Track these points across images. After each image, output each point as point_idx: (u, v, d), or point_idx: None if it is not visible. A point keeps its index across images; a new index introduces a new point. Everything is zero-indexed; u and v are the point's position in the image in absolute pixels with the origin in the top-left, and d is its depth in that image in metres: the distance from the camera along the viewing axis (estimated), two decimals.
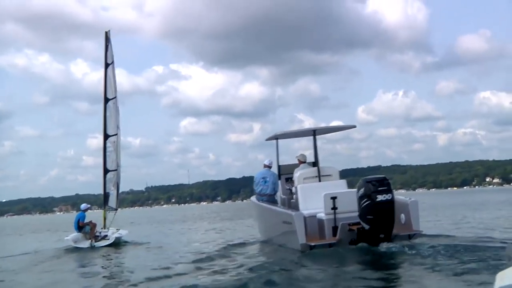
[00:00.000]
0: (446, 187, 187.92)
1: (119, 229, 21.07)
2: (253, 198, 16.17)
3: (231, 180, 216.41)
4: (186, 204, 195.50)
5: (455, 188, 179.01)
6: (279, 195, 15.60)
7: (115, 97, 22.49)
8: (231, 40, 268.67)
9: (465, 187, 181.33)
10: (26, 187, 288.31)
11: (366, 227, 11.47)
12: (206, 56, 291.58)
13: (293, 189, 14.47)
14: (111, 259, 16.23)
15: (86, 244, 19.87)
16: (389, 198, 11.28)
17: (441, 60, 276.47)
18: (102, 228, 20.97)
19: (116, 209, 21.94)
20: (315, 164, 15.27)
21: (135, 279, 10.70)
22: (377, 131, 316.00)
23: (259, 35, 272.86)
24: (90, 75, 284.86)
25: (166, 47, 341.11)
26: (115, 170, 21.98)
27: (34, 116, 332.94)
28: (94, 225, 20.75)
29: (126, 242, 20.76)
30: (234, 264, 11.80)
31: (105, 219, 21.43)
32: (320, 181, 14.11)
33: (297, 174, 14.50)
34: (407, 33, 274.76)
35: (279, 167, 16.04)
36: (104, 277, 12.08)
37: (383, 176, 11.74)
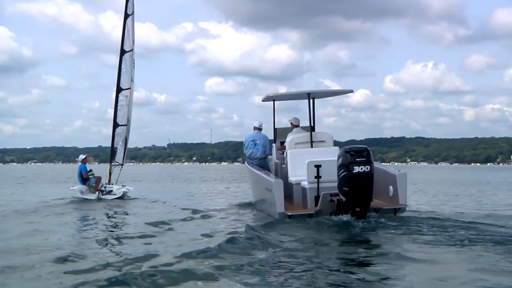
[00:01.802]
0: (469, 163, 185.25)
1: (124, 185, 20.70)
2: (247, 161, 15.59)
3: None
4: (207, 164, 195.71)
5: (478, 164, 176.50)
6: (273, 159, 15.05)
7: (132, 50, 21.90)
8: (262, 1, 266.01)
9: (488, 164, 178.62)
10: (51, 136, 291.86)
11: (343, 199, 10.96)
12: (236, 16, 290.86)
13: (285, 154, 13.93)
14: (113, 211, 16.16)
15: (93, 196, 19.86)
16: (367, 170, 10.68)
17: (474, 33, 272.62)
18: (107, 183, 20.66)
19: (122, 165, 21.51)
20: (312, 128, 14.51)
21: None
22: (403, 102, 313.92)
23: None
24: (120, 28, 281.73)
25: (196, 4, 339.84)
26: (125, 125, 21.50)
27: (62, 66, 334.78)
28: (99, 178, 20.46)
29: (132, 197, 20.47)
30: (207, 226, 11.76)
31: (110, 174, 21.06)
32: (312, 147, 13.43)
33: (288, 138, 13.90)
34: (442, 3, 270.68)
35: (275, 130, 15.52)
36: (96, 228, 12.10)
37: (364, 146, 11.16)
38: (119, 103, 21.38)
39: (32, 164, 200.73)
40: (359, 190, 10.69)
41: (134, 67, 21.92)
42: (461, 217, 12.32)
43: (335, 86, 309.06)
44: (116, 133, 21.37)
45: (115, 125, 21.38)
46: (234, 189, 27.74)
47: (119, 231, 11.67)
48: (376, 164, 12.51)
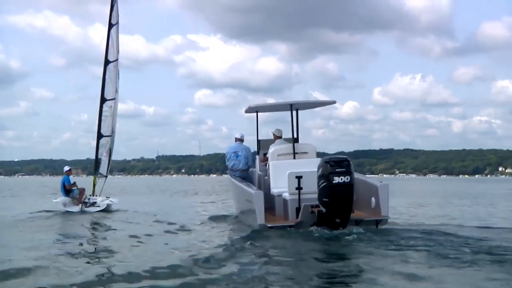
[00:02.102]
0: (457, 174, 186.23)
1: (109, 197, 20.40)
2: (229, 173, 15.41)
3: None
4: (196, 176, 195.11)
5: (466, 176, 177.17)
6: (256, 171, 14.81)
7: (116, 60, 21.67)
8: (250, 13, 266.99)
9: (476, 176, 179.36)
10: (39, 148, 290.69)
11: (323, 210, 10.77)
12: (225, 28, 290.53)
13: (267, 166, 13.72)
14: (96, 224, 15.88)
15: (76, 208, 19.55)
16: (347, 180, 10.48)
17: (462, 45, 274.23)
18: (91, 195, 20.33)
19: (106, 176, 21.20)
20: (296, 140, 14.38)
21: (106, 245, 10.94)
22: (392, 113, 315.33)
23: (279, 10, 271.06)
24: None
25: (185, 16, 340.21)
26: (109, 135, 21.23)
27: (50, 78, 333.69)
28: (83, 190, 20.18)
29: (116, 209, 20.19)
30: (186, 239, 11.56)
31: (94, 185, 20.74)
32: (294, 158, 13.24)
33: (271, 150, 13.73)
34: (430, 16, 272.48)
35: (258, 141, 15.31)
36: (80, 242, 11.64)
37: (344, 156, 10.97)
38: (103, 113, 21.12)
39: (20, 176, 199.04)
40: (339, 201, 10.51)
41: (118, 78, 21.68)
42: (444, 229, 12.11)
43: (323, 98, 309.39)
44: (100, 144, 21.11)
45: (99, 136, 21.12)
46: (220, 201, 27.43)
47: (89, 245, 11.33)
48: (358, 175, 12.42)
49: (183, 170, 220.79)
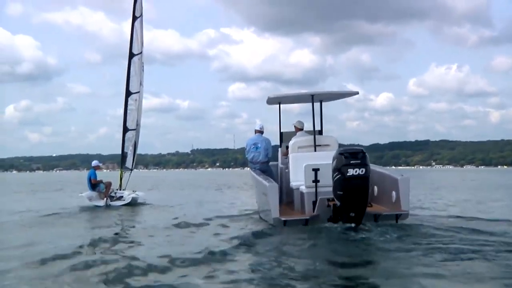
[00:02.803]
0: (496, 165, 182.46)
1: (135, 191, 20.31)
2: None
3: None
4: (230, 169, 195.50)
5: (505, 167, 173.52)
6: (278, 164, 14.40)
7: (140, 53, 21.57)
8: (284, 6, 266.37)
9: None
10: (76, 143, 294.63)
11: (338, 203, 10.37)
12: (258, 21, 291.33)
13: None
14: (122, 218, 15.71)
15: (101, 202, 19.45)
16: (362, 173, 10.00)
17: (499, 34, 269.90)
18: (117, 189, 20.27)
19: (131, 170, 21.13)
20: (320, 132, 13.99)
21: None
22: (427, 104, 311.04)
23: (312, 2, 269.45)
24: (143, 36, 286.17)
25: (218, 10, 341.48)
26: (135, 129, 21.10)
27: (86, 74, 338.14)
28: (109, 184, 20.10)
29: (142, 203, 20.17)
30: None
31: (121, 179, 20.68)
32: (315, 150, 12.76)
33: (291, 142, 13.27)
34: (466, 5, 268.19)
35: (281, 134, 14.81)
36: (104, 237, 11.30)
37: (360, 148, 10.48)
38: (129, 107, 21.03)
39: (58, 171, 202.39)
40: (353, 194, 10.07)
41: (143, 71, 21.54)
42: (468, 224, 11.60)
43: (358, 90, 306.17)
44: (126, 138, 21.06)
45: (125, 129, 21.03)
46: (249, 195, 27.10)
47: (107, 237, 11.13)
48: (379, 168, 12.14)
49: (218, 164, 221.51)
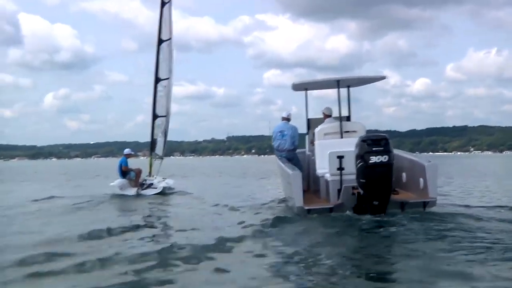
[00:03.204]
0: None
1: (165, 178, 20.17)
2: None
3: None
4: (266, 156, 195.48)
5: None
6: (306, 151, 14.06)
7: (169, 39, 21.22)
8: None
9: None
10: (113, 131, 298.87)
11: (361, 192, 10.08)
12: (293, 7, 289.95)
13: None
14: (154, 209, 15.43)
15: (132, 191, 19.20)
16: (385, 160, 9.77)
17: None
18: (147, 176, 20.10)
19: (162, 158, 20.97)
20: (348, 118, 13.64)
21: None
22: (465, 90, 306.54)
23: None
24: (179, 23, 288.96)
25: None
26: (165, 116, 20.91)
27: (123, 62, 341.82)
28: (140, 172, 19.99)
29: (172, 191, 19.95)
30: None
31: (151, 166, 20.54)
32: (342, 137, 12.41)
33: (317, 129, 12.94)
34: None
35: (308, 120, 14.46)
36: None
37: (383, 134, 10.20)
38: (158, 93, 20.78)
39: (95, 159, 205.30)
40: (376, 182, 9.83)
41: (172, 57, 21.29)
42: (496, 215, 11.06)
43: (395, 76, 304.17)
44: (155, 124, 20.85)
45: (154, 116, 20.83)
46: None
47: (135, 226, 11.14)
48: (406, 154, 11.83)
49: (253, 151, 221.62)
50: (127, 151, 20.72)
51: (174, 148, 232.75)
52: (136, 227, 10.85)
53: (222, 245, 8.35)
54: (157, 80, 20.84)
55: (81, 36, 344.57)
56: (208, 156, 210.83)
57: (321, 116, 13.75)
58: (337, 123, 12.80)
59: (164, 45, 21.06)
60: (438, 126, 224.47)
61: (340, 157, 10.82)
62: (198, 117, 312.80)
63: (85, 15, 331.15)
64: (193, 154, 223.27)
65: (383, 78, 13.60)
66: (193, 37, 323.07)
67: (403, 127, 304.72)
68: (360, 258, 7.59)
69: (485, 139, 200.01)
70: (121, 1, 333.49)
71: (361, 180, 9.94)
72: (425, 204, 10.69)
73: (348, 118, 13.74)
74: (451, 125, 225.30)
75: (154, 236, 9.81)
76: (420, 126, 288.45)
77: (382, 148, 9.78)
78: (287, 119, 14.23)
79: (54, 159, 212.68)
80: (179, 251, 7.96)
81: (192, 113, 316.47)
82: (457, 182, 23.86)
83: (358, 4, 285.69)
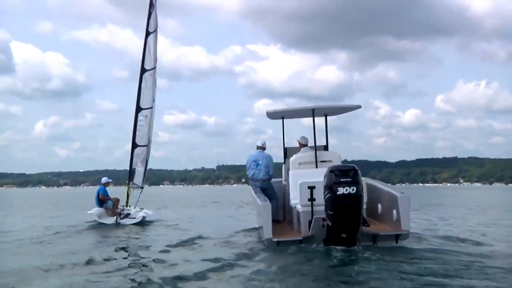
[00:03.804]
0: None
1: (143, 208, 19.90)
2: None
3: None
4: None
5: None
6: (282, 181, 13.89)
7: (153, 68, 21.20)
8: (310, 22, 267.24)
9: None
10: (103, 159, 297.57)
11: (330, 223, 9.86)
12: (284, 37, 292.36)
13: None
14: (130, 237, 15.38)
15: (111, 220, 19.06)
16: (353, 192, 9.52)
17: None
18: (124, 206, 19.87)
19: (142, 187, 20.73)
20: (325, 148, 13.53)
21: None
22: (455, 121, 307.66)
23: (338, 18, 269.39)
24: (170, 52, 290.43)
25: (244, 27, 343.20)
26: (145, 145, 20.76)
27: (114, 90, 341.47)
28: (117, 201, 19.79)
29: (150, 221, 19.74)
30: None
31: (128, 196, 20.27)
32: (317, 167, 12.22)
33: (292, 158, 12.85)
34: (494, 21, 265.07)
35: (285, 149, 14.35)
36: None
37: (351, 165, 10.01)
38: (138, 123, 20.65)
39: (85, 187, 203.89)
40: (343, 214, 9.58)
41: (155, 86, 21.25)
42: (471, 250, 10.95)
43: (385, 107, 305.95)
44: (134, 153, 20.62)
45: (134, 145, 20.64)
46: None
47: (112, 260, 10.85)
48: (381, 185, 11.65)
49: (243, 180, 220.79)
50: (104, 180, 20.47)
51: (164, 177, 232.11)
52: (107, 259, 10.68)
53: (185, 279, 8.16)
54: (139, 109, 20.74)
55: (72, 64, 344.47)
56: (198, 185, 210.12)
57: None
58: (312, 153, 12.65)
59: (147, 74, 21.01)
60: (428, 157, 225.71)
61: (312, 188, 10.58)
62: (188, 145, 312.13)
63: (77, 44, 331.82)
64: (182, 183, 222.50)
65: (358, 107, 13.40)
66: (184, 66, 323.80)
67: (393, 158, 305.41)
68: None
69: (475, 171, 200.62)
70: (112, 30, 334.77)
71: (329, 212, 9.72)
72: (397, 237, 10.47)
73: (325, 148, 13.64)
74: (441, 156, 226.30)
75: (119, 269, 9.53)
76: (410, 157, 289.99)
77: (350, 179, 9.55)
78: (262, 147, 14.01)
79: (43, 187, 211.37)
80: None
81: (183, 142, 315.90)
82: (439, 213, 23.79)
83: (348, 35, 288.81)
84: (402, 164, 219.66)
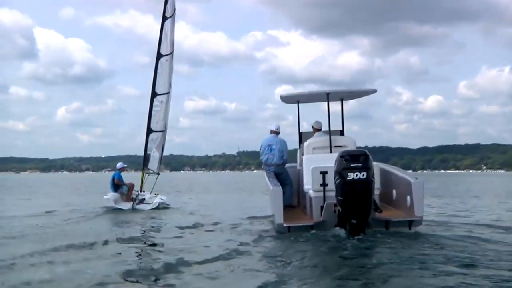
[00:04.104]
0: None
1: (157, 194, 19.90)
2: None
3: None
4: None
5: None
6: (297, 166, 13.67)
7: (170, 53, 21.09)
8: (331, 8, 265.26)
9: None
10: (125, 144, 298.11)
11: (340, 209, 9.73)
12: (305, 23, 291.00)
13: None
14: (146, 222, 15.37)
15: (127, 205, 19.07)
16: (363, 177, 9.37)
17: None
18: (138, 191, 19.85)
19: (158, 173, 20.73)
20: (341, 132, 13.35)
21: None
22: (478, 107, 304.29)
23: (360, 4, 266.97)
24: (191, 38, 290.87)
25: (265, 12, 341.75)
26: (161, 131, 20.74)
27: (135, 76, 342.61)
28: (132, 186, 19.80)
29: (166, 207, 19.67)
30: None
31: (142, 181, 20.26)
32: (331, 152, 11.96)
33: (306, 143, 12.66)
34: None
35: (300, 134, 14.15)
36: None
37: (362, 150, 9.88)
38: (154, 108, 20.57)
39: (107, 172, 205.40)
40: (353, 200, 9.43)
41: (172, 71, 21.15)
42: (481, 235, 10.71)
43: (407, 93, 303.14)
44: (149, 139, 20.56)
45: (149, 131, 20.59)
46: None
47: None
48: (396, 170, 11.50)
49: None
50: (119, 165, 20.50)
51: (185, 163, 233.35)
52: (129, 240, 10.87)
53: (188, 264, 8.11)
54: (154, 94, 20.68)
55: (94, 50, 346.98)
56: (218, 171, 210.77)
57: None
58: (326, 137, 12.46)
59: (163, 59, 20.91)
60: (450, 143, 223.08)
61: (324, 173, 10.44)
62: (209, 131, 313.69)
63: (99, 29, 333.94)
64: (203, 169, 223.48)
65: (374, 91, 13.21)
66: (205, 52, 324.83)
67: (414, 144, 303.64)
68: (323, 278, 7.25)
69: (498, 158, 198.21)
70: (134, 16, 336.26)
71: (339, 198, 9.60)
72: (410, 223, 10.32)
73: (341, 132, 13.45)
74: (463, 143, 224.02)
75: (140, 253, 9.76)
76: (431, 143, 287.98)
77: (360, 165, 9.40)
78: (276, 132, 13.82)
79: (65, 172, 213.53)
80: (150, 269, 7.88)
81: (203, 128, 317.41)
82: (462, 200, 23.45)
83: (370, 21, 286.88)
84: (423, 150, 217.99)
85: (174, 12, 21.41)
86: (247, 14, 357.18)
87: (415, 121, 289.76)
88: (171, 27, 21.25)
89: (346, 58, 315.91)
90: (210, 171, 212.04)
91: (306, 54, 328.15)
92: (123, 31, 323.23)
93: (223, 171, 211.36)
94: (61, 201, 25.69)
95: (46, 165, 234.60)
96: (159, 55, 20.94)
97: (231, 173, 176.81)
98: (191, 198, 28.43)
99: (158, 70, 20.83)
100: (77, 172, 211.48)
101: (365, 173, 9.37)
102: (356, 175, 9.34)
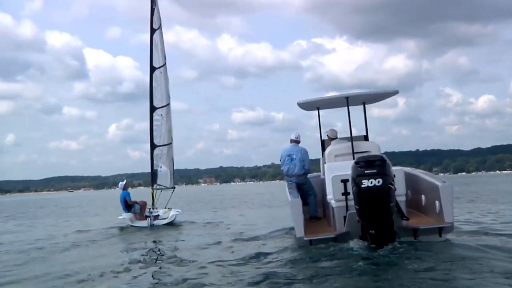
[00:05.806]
0: None
1: (170, 208, 19.44)
2: None
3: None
4: None
5: None
6: (321, 175, 12.84)
7: (163, 65, 20.70)
8: (375, 12, 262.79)
9: None
10: (174, 159, 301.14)
11: (358, 219, 8.92)
12: (350, 29, 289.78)
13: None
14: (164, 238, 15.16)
15: (143, 223, 18.66)
16: (378, 184, 8.51)
17: None
18: (151, 208, 19.28)
19: (173, 188, 20.36)
20: (366, 138, 12.78)
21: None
22: None
23: (404, 6, 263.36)
24: (236, 50, 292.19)
25: (309, 21, 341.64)
26: (167, 144, 20.26)
27: (183, 91, 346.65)
28: (145, 204, 19.38)
29: (180, 221, 19.45)
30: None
31: (153, 198, 19.70)
32: (354, 158, 10.83)
33: (327, 151, 12.00)
34: None
35: (322, 142, 13.46)
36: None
37: (378, 155, 9.19)
38: (154, 123, 20.12)
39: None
40: (369, 208, 8.61)
41: (168, 83, 20.78)
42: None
43: (456, 94, 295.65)
44: (154, 154, 20.07)
45: (153, 146, 20.11)
46: None
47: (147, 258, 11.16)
48: (423, 174, 10.75)
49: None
50: (121, 184, 20.10)
51: (234, 174, 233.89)
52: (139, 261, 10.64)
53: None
54: (153, 108, 20.24)
55: (141, 67, 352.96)
56: (268, 181, 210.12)
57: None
58: (349, 144, 11.73)
59: (157, 72, 20.54)
60: (504, 143, 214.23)
61: (345, 181, 9.68)
62: (258, 142, 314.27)
63: (146, 46, 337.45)
64: (253, 180, 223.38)
65: (396, 92, 12.37)
66: (250, 63, 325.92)
67: (467, 146, 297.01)
68: None
69: None
70: (179, 31, 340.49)
71: (356, 207, 8.87)
72: (440, 230, 9.52)
73: (365, 138, 12.80)
74: None
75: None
76: (485, 144, 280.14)
77: (375, 171, 8.63)
78: (296, 141, 13.13)
79: (117, 189, 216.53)
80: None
81: (252, 139, 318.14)
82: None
83: (416, 23, 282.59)
84: (477, 151, 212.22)
85: (161, 23, 20.97)
86: (291, 24, 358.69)
87: (467, 122, 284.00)
88: (160, 38, 20.89)
89: (392, 62, 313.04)
90: (260, 182, 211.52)
91: (352, 60, 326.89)
92: (169, 47, 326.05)
93: (273, 181, 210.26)
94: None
95: (99, 182, 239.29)
96: (152, 68, 20.54)
97: (281, 183, 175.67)
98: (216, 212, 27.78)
99: (154, 84, 20.42)
100: (129, 188, 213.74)
101: (380, 180, 8.56)
102: (371, 182, 8.56)
